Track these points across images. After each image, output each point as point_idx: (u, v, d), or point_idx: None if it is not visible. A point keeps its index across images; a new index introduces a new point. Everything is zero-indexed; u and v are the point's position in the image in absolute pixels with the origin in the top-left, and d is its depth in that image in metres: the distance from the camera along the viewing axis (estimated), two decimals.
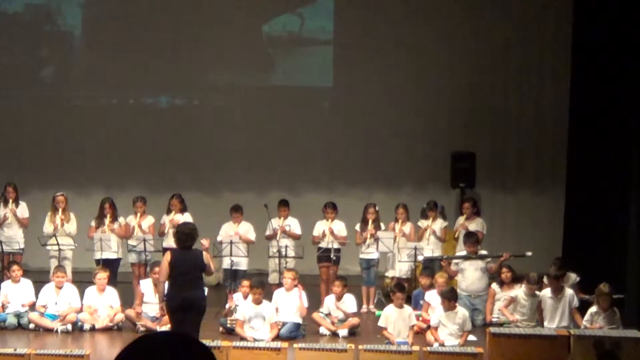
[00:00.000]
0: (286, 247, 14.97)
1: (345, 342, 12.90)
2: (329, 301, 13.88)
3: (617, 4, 14.99)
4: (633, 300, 13.60)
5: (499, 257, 14.60)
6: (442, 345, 12.62)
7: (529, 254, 14.64)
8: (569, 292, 13.55)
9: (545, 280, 14.17)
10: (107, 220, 15.28)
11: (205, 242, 12.29)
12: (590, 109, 15.66)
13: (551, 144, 18.09)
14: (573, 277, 14.36)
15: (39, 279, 14.85)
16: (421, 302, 14.09)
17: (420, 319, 13.66)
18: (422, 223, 15.68)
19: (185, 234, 11.34)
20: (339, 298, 13.81)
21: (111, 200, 15.48)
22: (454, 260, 14.73)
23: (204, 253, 11.32)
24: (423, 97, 18.21)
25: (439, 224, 15.64)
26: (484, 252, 14.77)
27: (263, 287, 13.50)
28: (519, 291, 13.87)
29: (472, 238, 14.71)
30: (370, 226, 15.16)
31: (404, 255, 14.88)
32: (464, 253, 14.70)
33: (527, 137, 18.29)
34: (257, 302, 13.26)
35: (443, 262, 14.84)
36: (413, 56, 18.08)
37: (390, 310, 13.14)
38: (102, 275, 14.03)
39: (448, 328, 12.90)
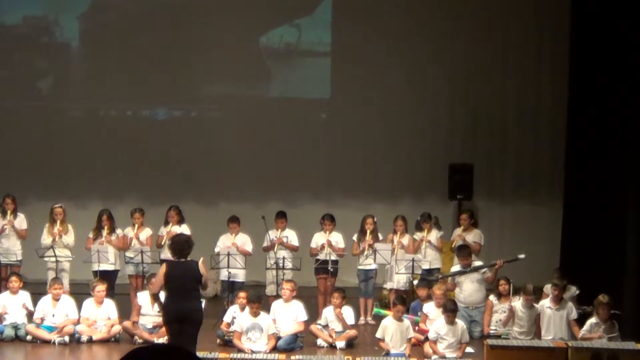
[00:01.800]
0: (284, 258, 14.95)
1: (342, 354, 12.89)
2: (328, 313, 13.87)
3: (616, 13, 14.99)
4: (630, 312, 13.58)
5: (493, 266, 14.60)
6: (442, 357, 12.60)
7: (522, 256, 14.66)
8: (568, 304, 13.54)
9: (545, 290, 14.16)
10: (104, 232, 15.27)
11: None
12: (588, 120, 15.66)
13: (549, 156, 18.12)
14: (573, 289, 14.35)
15: (37, 290, 14.81)
16: (419, 313, 14.08)
17: (417, 328, 13.65)
18: (417, 235, 15.67)
19: (181, 243, 11.32)
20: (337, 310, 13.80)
21: (109, 212, 15.47)
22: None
23: (200, 264, 11.27)
24: (421, 109, 18.23)
25: (434, 235, 15.65)
26: (478, 262, 14.77)
27: (260, 302, 13.47)
28: (517, 303, 13.84)
29: (464, 251, 14.75)
30: (368, 237, 15.16)
31: (401, 267, 14.86)
32: (457, 267, 14.70)
33: (524, 149, 18.31)
34: (254, 312, 13.25)
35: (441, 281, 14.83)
36: (410, 68, 18.10)
37: (388, 322, 13.13)
38: (101, 288, 14.02)
39: (447, 340, 12.88)
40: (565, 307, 13.44)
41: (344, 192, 18.18)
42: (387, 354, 12.76)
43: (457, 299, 14.29)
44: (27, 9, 18.63)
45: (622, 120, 14.57)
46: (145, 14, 18.46)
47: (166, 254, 14.49)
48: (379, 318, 14.40)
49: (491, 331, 14.15)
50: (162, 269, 11.24)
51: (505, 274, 14.63)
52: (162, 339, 12.72)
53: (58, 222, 15.30)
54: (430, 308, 13.88)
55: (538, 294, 14.01)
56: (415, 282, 14.93)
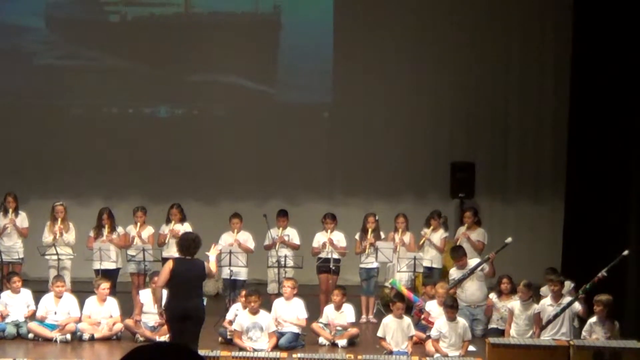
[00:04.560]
0: (285, 257, 14.94)
1: (344, 352, 12.87)
2: (329, 311, 13.87)
3: (618, 13, 14.97)
4: (632, 310, 13.57)
5: (487, 260, 14.59)
6: (444, 356, 12.59)
7: (509, 240, 14.63)
8: (568, 299, 13.49)
9: (542, 293, 14.09)
10: (105, 231, 15.26)
11: (213, 255, 12.02)
12: (590, 119, 15.66)
13: (550, 154, 18.11)
14: (568, 284, 14.33)
15: (38, 288, 14.82)
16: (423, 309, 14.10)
17: (423, 317, 13.66)
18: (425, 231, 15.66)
19: (188, 241, 11.34)
20: (338, 307, 13.80)
21: (109, 211, 15.46)
22: (451, 279, 14.71)
23: (206, 263, 11.30)
24: (422, 108, 18.23)
25: (439, 234, 15.61)
26: (474, 260, 14.72)
27: (259, 295, 13.42)
28: (515, 303, 13.79)
29: (458, 252, 14.73)
30: (369, 235, 15.15)
31: (403, 265, 14.86)
32: (454, 270, 14.66)
33: (526, 148, 18.31)
34: (254, 311, 13.20)
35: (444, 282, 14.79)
36: (412, 68, 18.10)
37: (389, 320, 13.13)
38: (105, 285, 14.01)
39: (449, 338, 12.87)
40: (565, 303, 13.36)
41: (346, 191, 18.19)
42: (389, 352, 12.75)
43: (459, 298, 14.27)
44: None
45: (624, 118, 14.56)
46: (148, 11, 18.46)
47: (168, 252, 14.54)
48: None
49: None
50: (169, 264, 11.25)
51: (507, 272, 14.62)
52: (164, 337, 12.72)
53: (59, 220, 15.30)
54: (433, 306, 13.87)
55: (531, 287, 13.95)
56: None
